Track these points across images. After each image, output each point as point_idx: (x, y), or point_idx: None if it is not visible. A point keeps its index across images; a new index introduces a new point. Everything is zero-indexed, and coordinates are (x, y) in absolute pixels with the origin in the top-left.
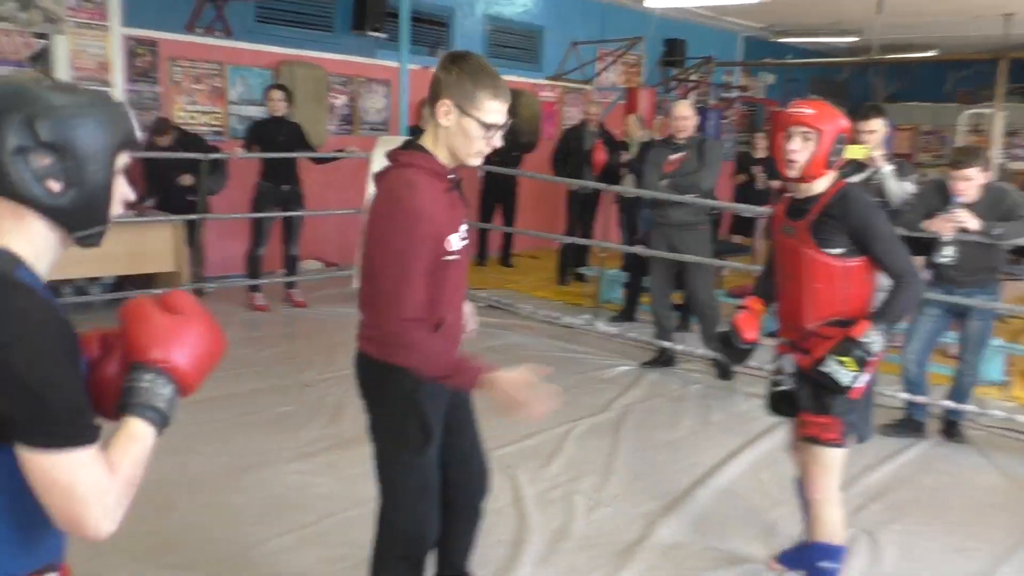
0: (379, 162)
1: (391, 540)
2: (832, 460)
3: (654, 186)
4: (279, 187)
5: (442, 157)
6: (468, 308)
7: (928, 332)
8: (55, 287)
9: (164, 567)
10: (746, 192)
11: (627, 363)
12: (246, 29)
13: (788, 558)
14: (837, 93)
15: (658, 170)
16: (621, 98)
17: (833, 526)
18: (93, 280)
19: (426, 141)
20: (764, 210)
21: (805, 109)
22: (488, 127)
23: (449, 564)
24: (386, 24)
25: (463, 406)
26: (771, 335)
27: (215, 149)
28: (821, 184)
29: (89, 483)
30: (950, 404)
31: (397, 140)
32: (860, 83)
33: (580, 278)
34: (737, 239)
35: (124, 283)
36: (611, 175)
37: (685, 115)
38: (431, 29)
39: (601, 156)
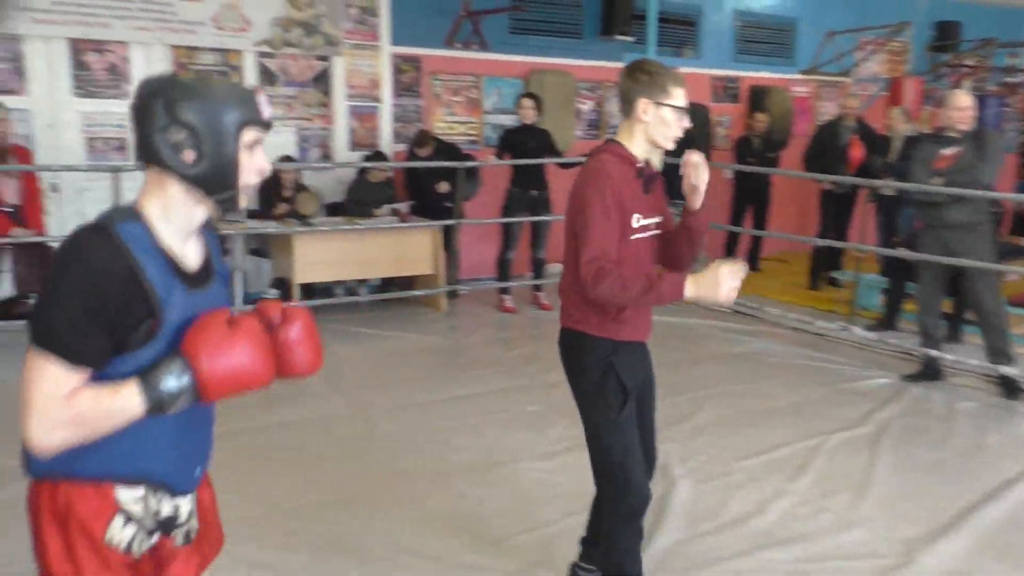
0: None
1: (618, 500)
2: None
3: (924, 184)
4: (528, 192)
5: (637, 150)
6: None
7: None
8: (328, 288)
9: (416, 556)
10: None
11: (886, 375)
12: (500, 41)
13: None
14: None
15: (928, 167)
16: (883, 89)
17: None
18: (362, 282)
19: (621, 137)
20: None
21: None
22: (679, 110)
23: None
24: (633, 27)
25: (647, 391)
26: None
27: (470, 157)
28: None
29: (44, 392)
30: None
31: None
32: None
33: (833, 282)
34: (1021, 240)
35: (388, 285)
36: (869, 172)
37: (964, 105)
38: (677, 29)
39: (858, 152)
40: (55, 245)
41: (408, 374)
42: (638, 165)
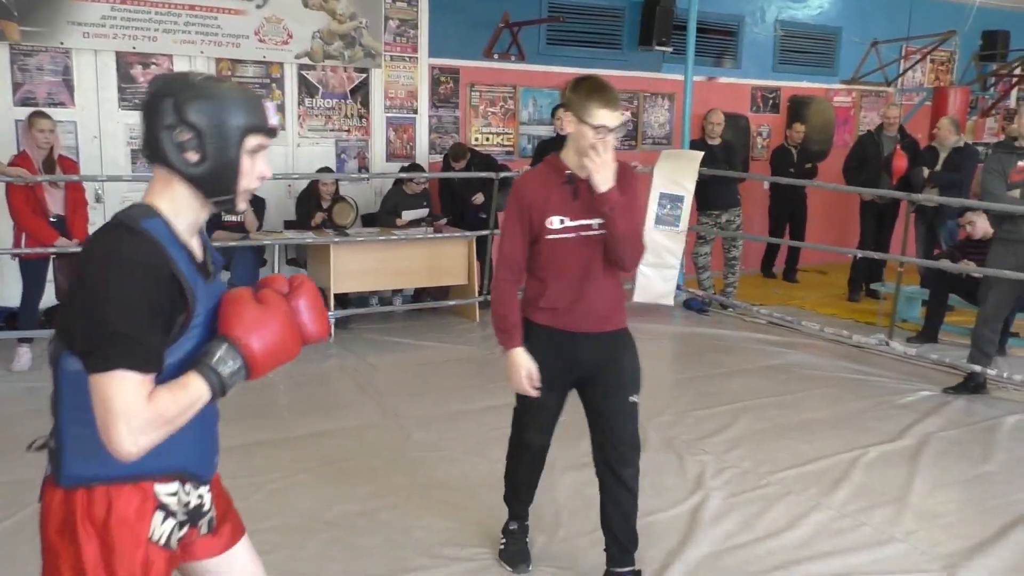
0: (661, 176)
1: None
2: None
3: (1001, 198)
4: None
5: (568, 158)
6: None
7: None
8: (363, 298)
9: (456, 560)
10: None
11: (927, 388)
12: (537, 51)
13: None
14: None
15: (1005, 179)
16: (927, 99)
17: None
18: (396, 292)
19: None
20: None
21: None
22: (600, 129)
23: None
24: (672, 37)
25: (600, 379)
26: None
27: (505, 168)
28: None
29: (127, 400)
30: None
31: (680, 154)
32: None
33: (873, 295)
34: None
35: (422, 294)
36: (912, 182)
37: None
38: (717, 39)
39: (902, 162)
40: None
41: (442, 384)
42: (567, 172)
